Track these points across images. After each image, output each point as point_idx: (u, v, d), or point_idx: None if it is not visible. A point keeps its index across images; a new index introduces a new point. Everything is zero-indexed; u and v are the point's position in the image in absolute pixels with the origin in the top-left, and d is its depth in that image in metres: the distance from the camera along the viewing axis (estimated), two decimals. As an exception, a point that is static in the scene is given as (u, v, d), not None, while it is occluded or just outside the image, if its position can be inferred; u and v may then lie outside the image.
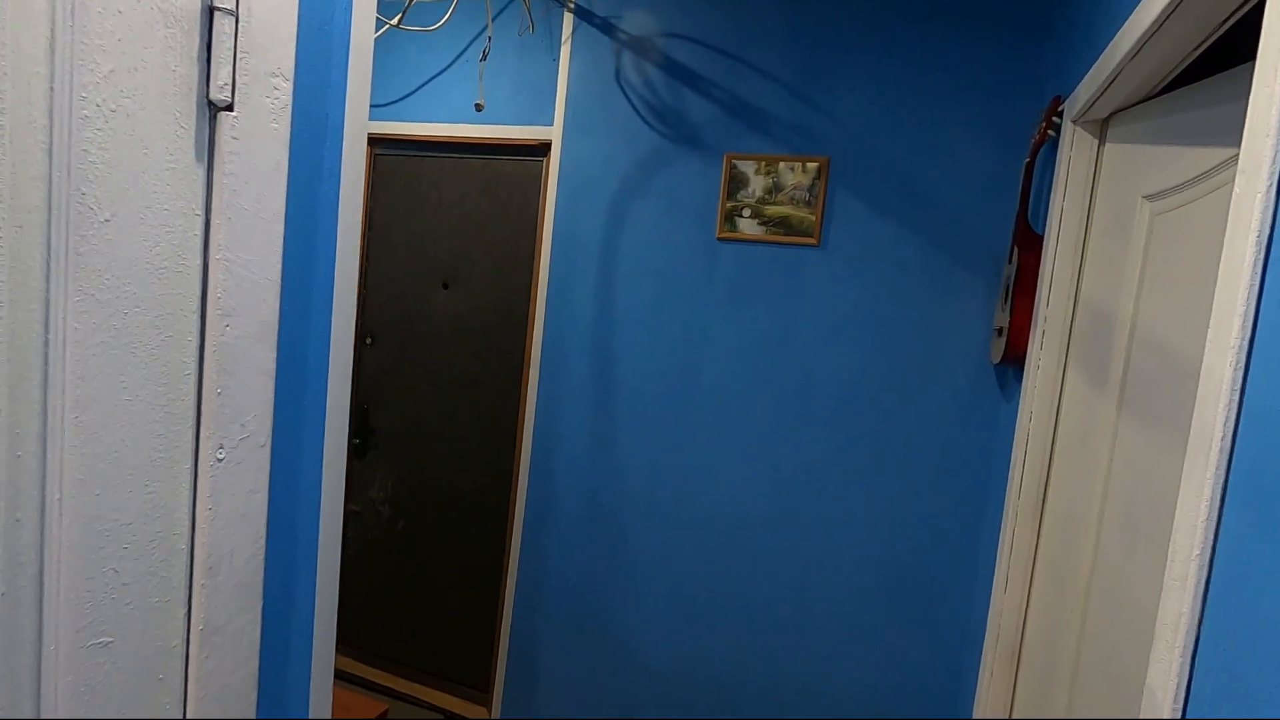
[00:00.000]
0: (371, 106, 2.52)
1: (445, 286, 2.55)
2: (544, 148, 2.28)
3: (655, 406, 2.12)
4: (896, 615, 1.92)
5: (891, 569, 1.93)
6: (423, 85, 2.44)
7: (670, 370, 2.10)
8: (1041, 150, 1.64)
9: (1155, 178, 1.23)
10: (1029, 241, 1.62)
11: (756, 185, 2.00)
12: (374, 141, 2.57)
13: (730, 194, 2.02)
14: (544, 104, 2.25)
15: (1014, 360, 1.61)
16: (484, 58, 1.98)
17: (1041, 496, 1.49)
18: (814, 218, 1.96)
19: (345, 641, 2.77)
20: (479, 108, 2.01)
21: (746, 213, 2.01)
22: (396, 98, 2.47)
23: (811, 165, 1.95)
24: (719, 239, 2.05)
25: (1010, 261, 1.66)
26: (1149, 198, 1.24)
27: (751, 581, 2.05)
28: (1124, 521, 1.17)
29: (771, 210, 1.99)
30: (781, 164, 1.98)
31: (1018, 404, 1.60)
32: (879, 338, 1.92)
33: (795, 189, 1.97)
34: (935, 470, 1.88)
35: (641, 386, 2.13)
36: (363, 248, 2.65)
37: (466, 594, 2.58)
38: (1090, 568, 1.28)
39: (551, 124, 2.23)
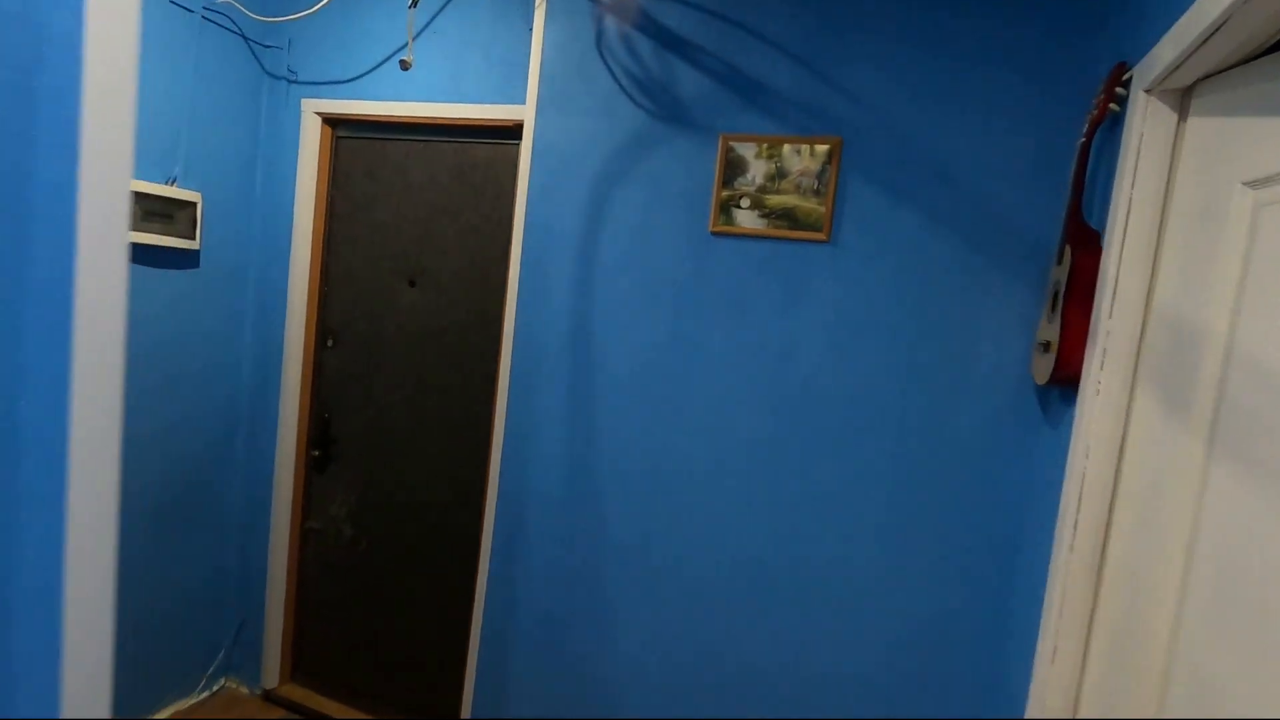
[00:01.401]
0: (330, 83, 2.27)
1: (412, 284, 2.29)
2: (517, 129, 2.01)
3: (637, 422, 1.86)
4: (914, 677, 1.65)
5: (909, 622, 1.66)
6: (387, 59, 2.18)
7: (655, 381, 1.83)
8: (1100, 128, 1.36)
9: (1262, 158, 0.95)
10: (1084, 238, 1.34)
11: (757, 171, 1.73)
12: (334, 122, 2.32)
13: (726, 181, 1.75)
14: (517, 79, 1.99)
15: (1064, 381, 1.34)
16: (413, 4, 1.71)
17: (1100, 551, 1.22)
18: (823, 209, 1.68)
19: (303, 671, 2.54)
20: (405, 65, 1.74)
21: (745, 203, 1.74)
22: (357, 74, 2.22)
23: (821, 148, 1.68)
24: (713, 233, 1.78)
25: (1060, 262, 1.39)
26: (1253, 184, 0.97)
27: (745, 629, 1.79)
28: (1216, 595, 0.91)
29: (774, 200, 1.72)
30: (786, 146, 1.71)
31: (1067, 433, 1.33)
32: (898, 350, 1.65)
33: (802, 175, 1.70)
34: (962, 507, 1.61)
35: (622, 399, 1.86)
36: (322, 240, 2.40)
37: (432, 623, 2.33)
38: (1167, 650, 1.01)
39: (524, 101, 1.96)
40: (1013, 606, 1.55)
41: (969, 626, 1.61)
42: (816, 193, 1.69)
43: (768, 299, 1.74)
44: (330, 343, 2.41)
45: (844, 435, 1.69)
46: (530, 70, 1.92)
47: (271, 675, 2.49)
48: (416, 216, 2.27)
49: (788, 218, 1.71)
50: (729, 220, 1.76)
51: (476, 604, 2.08)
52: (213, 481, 2.37)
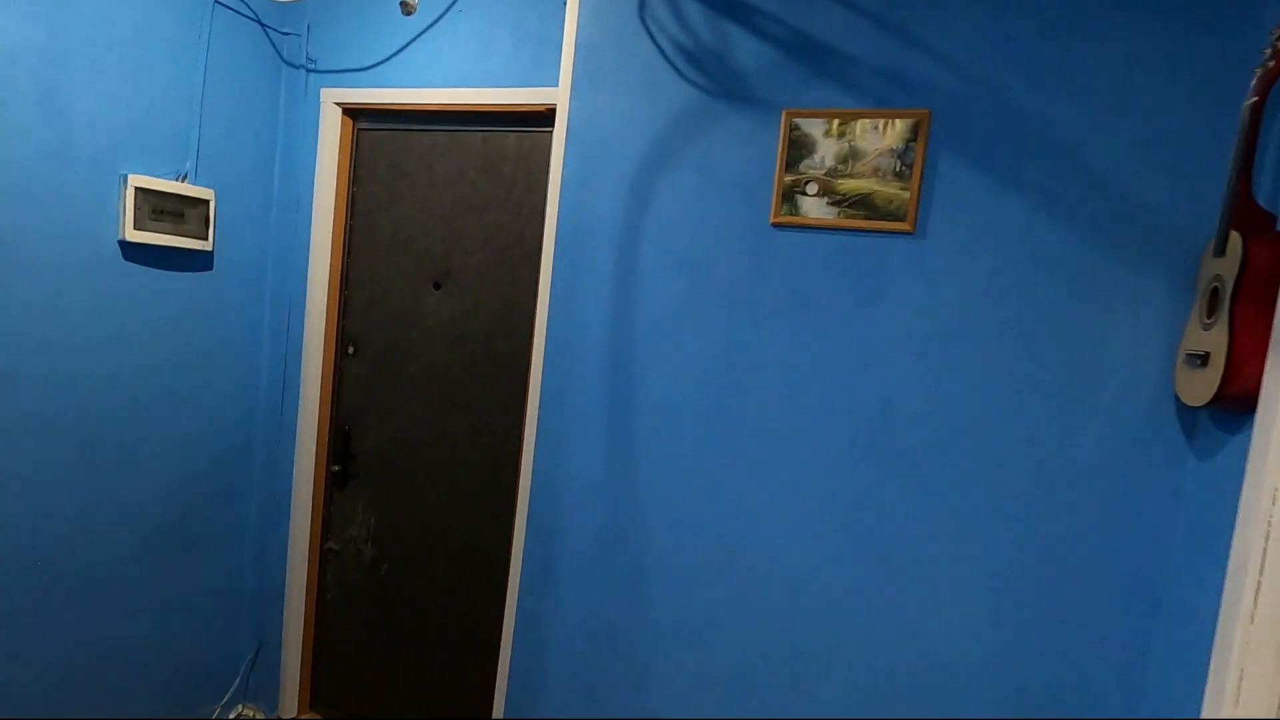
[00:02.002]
0: (350, 71, 2.09)
1: (437, 286, 2.10)
2: (549, 115, 1.80)
3: (685, 444, 1.62)
4: (1024, 759, 1.38)
5: (1010, 683, 1.38)
6: (410, 42, 1.99)
7: (705, 396, 1.60)
8: (1275, 86, 1.07)
9: None
10: (1257, 223, 1.06)
11: (826, 152, 1.48)
12: (354, 113, 2.15)
13: (790, 164, 1.51)
14: (550, 58, 1.78)
15: (1231, 402, 1.05)
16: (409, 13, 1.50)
17: (1297, 628, 0.94)
18: (907, 195, 1.43)
19: (322, 700, 2.37)
20: (406, 9, 1.50)
21: (812, 189, 1.50)
22: (379, 59, 2.04)
23: (904, 122, 1.42)
24: (774, 225, 1.53)
25: (1221, 254, 1.11)
26: None
27: (810, 684, 1.53)
28: None
29: (847, 185, 1.47)
30: (862, 122, 1.45)
31: (1230, 467, 1.05)
32: (1000, 362, 1.38)
33: (882, 155, 1.44)
34: (1083, 554, 1.33)
35: (668, 415, 1.63)
36: (343, 240, 2.23)
37: (458, 656, 2.14)
38: None
39: (556, 84, 1.75)
40: (1148, 681, 1.27)
41: (1090, 698, 1.32)
42: (898, 175, 1.43)
43: (839, 302, 1.49)
44: (351, 350, 2.24)
45: (933, 464, 1.42)
46: (564, 45, 1.71)
47: (290, 704, 2.33)
48: (442, 214, 2.08)
49: (863, 205, 1.46)
50: (793, 210, 1.51)
51: (504, 643, 1.87)
52: (228, 497, 2.22)
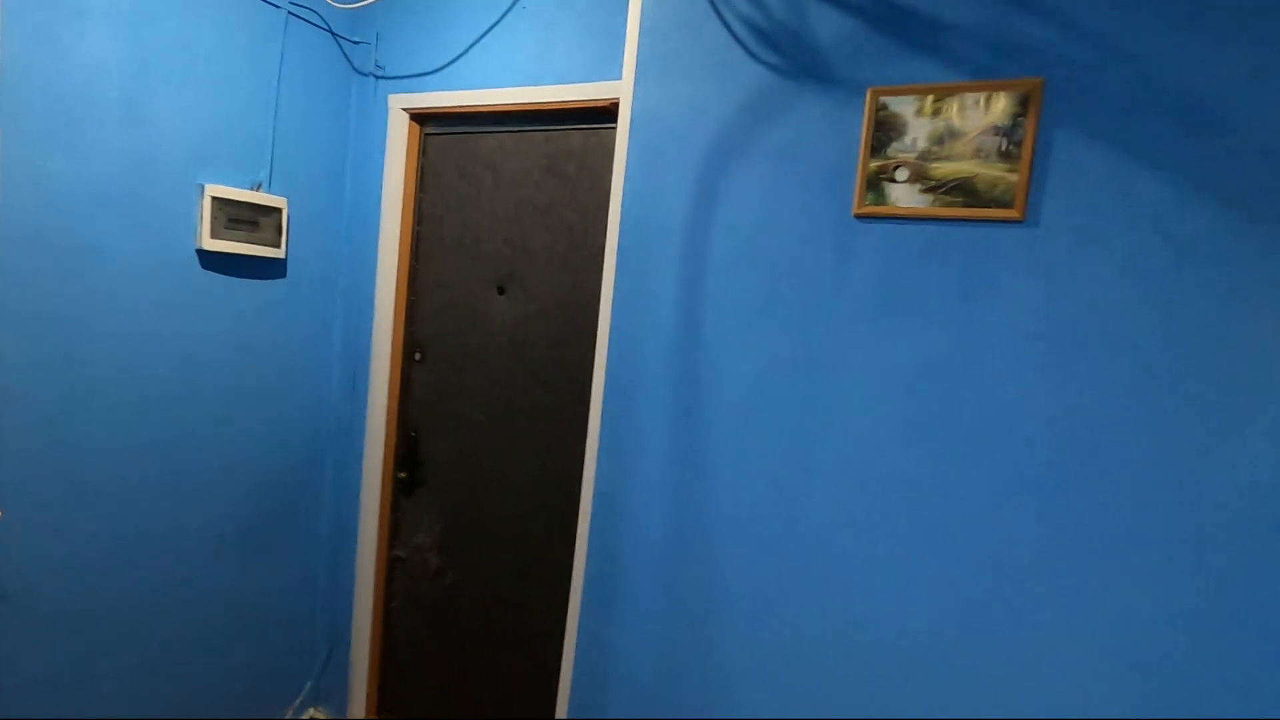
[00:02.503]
0: (417, 76, 2.08)
1: (501, 291, 2.06)
2: (613, 110, 1.71)
3: (758, 458, 1.49)
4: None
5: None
6: (474, 44, 1.96)
7: (781, 406, 1.46)
8: None
9: None
10: None
11: (918, 132, 1.32)
12: (421, 119, 2.13)
13: (877, 148, 1.35)
14: (614, 49, 1.69)
15: None
16: None
17: None
18: (1016, 178, 1.24)
19: (389, 707, 2.36)
20: None
21: (902, 175, 1.33)
22: (445, 62, 2.02)
23: (1011, 95, 1.24)
24: (858, 216, 1.38)
25: None
26: None
27: (905, 736, 1.36)
28: None
29: (943, 170, 1.30)
30: (961, 96, 1.28)
31: None
32: (1136, 367, 1.17)
33: (984, 134, 1.27)
34: (1242, 603, 1.10)
35: (739, 428, 1.50)
36: (410, 245, 2.23)
37: (520, 674, 2.07)
38: None
39: (620, 76, 1.66)
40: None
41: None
42: (1004, 156, 1.25)
43: (933, 301, 1.32)
44: (418, 356, 2.22)
45: (1050, 489, 1.23)
46: (628, 32, 1.61)
47: (358, 708, 2.33)
48: (507, 216, 2.03)
49: (962, 191, 1.28)
50: (880, 198, 1.35)
51: (564, 667, 1.78)
52: (301, 502, 2.25)
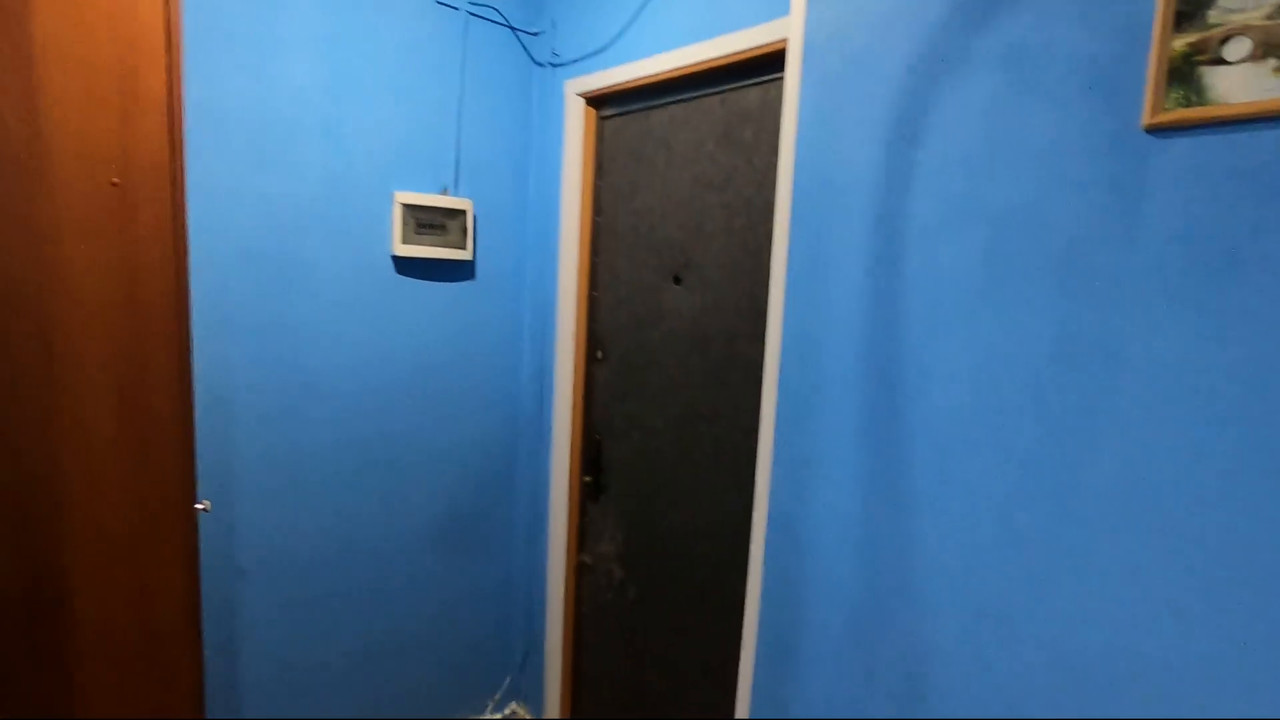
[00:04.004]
0: (590, 56, 1.96)
1: (677, 281, 1.84)
2: (780, 58, 1.38)
3: (992, 488, 1.05)
4: None
5: None
6: (641, 9, 1.77)
7: (1026, 419, 1.01)
8: None
9: None
10: None
11: (1271, -26, 0.79)
12: (597, 102, 2.01)
13: (1186, 15, 0.85)
14: (788, -25, 1.36)
15: None
16: None
17: None
18: None
19: (581, 712, 2.29)
20: None
21: (1239, 48, 0.81)
22: (615, 34, 1.86)
23: None
24: (1153, 129, 0.88)
25: None
26: None
27: None
28: None
29: (1324, 27, 0.76)
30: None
31: None
32: None
33: None
34: None
35: (960, 446, 1.08)
36: (590, 238, 2.12)
37: (693, 702, 1.83)
38: None
39: (788, 10, 1.33)
40: None
41: None
42: None
43: (1306, 252, 0.78)
44: (600, 355, 2.11)
45: None
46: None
47: (553, 710, 2.31)
48: (680, 197, 1.81)
49: (1371, 57, 0.73)
50: (1194, 94, 0.84)
51: (739, 696, 1.50)
52: (499, 501, 2.28)
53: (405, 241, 1.90)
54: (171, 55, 1.22)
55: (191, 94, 1.51)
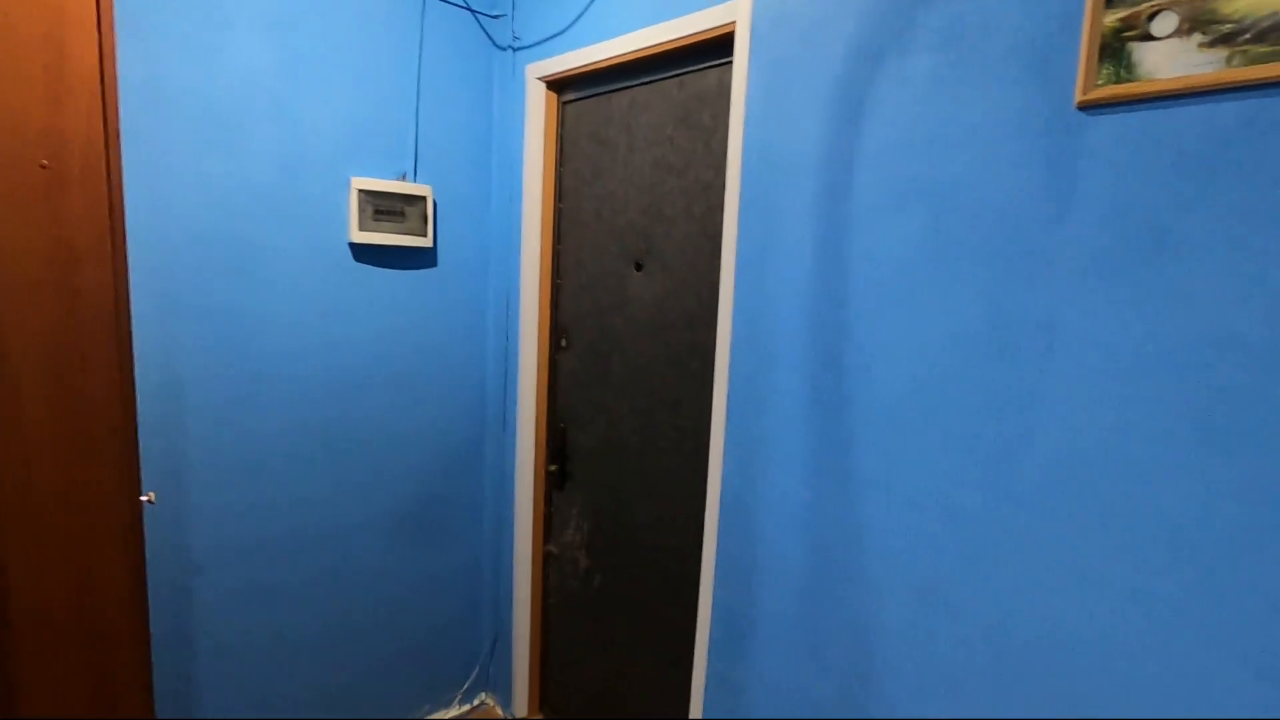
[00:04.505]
0: (549, 39, 1.93)
1: (639, 267, 1.83)
2: (731, 41, 1.37)
3: (934, 470, 1.06)
4: None
5: None
6: (602, -12, 1.75)
7: (960, 406, 1.01)
8: None
9: None
10: None
11: (1198, -51, 0.79)
12: (558, 86, 1.98)
13: (1117, -9, 0.85)
14: (743, -50, 1.35)
15: None
16: None
17: None
18: None
19: (550, 705, 2.29)
20: None
21: (1166, 23, 0.81)
22: (573, 19, 1.84)
23: None
24: (1085, 106, 0.88)
25: None
26: None
27: None
28: None
29: (1243, 3, 0.76)
30: None
31: None
32: None
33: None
34: None
35: (904, 428, 1.08)
36: (553, 224, 2.10)
37: (657, 702, 1.83)
38: None
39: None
40: None
41: None
42: (1388, -51, 0.68)
43: (1231, 233, 0.78)
44: (564, 343, 2.09)
45: None
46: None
47: (521, 703, 2.30)
48: (642, 182, 1.79)
49: (1291, 31, 0.74)
50: (1124, 70, 0.84)
51: (693, 706, 1.50)
52: (465, 488, 2.26)
53: (363, 228, 1.87)
54: (104, 29, 1.18)
55: (132, 73, 1.47)
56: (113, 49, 1.20)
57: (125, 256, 1.25)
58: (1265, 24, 0.75)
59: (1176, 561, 0.85)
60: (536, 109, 1.99)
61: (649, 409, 1.83)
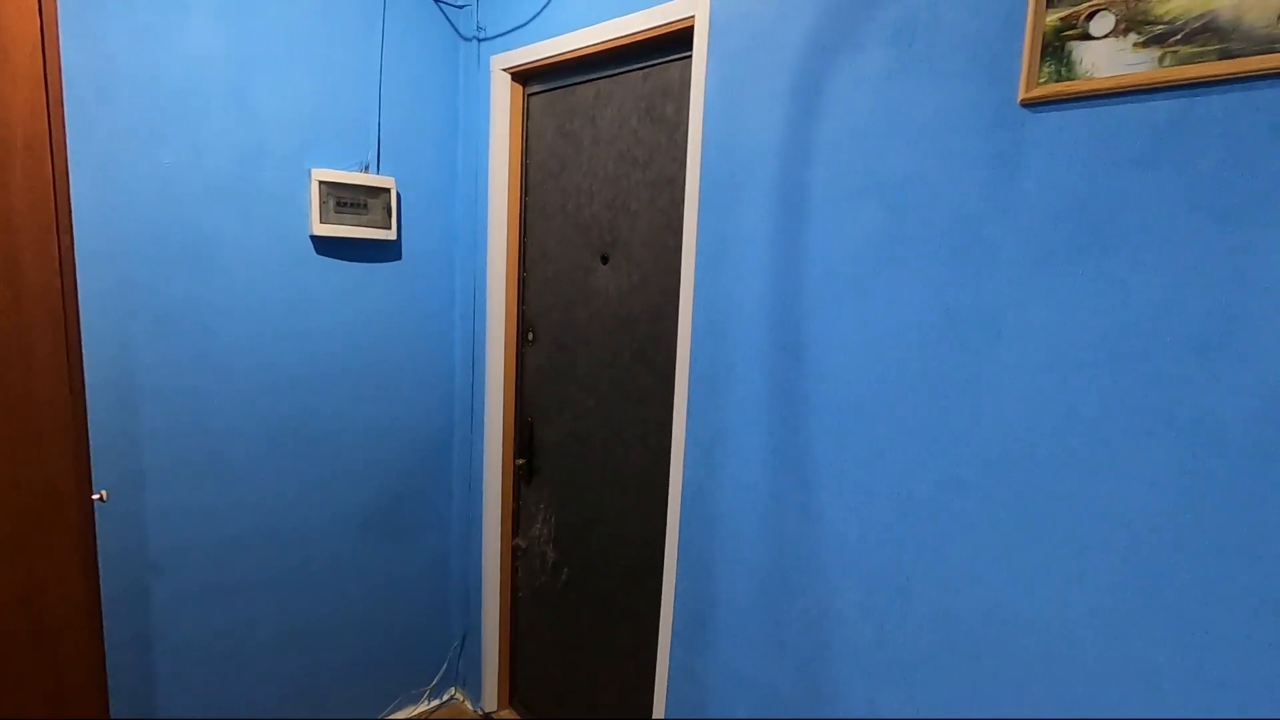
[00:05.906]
0: (514, 30, 1.92)
1: (604, 260, 1.83)
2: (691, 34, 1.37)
3: (888, 462, 1.08)
4: None
5: None
6: (566, -20, 1.74)
7: (911, 396, 1.03)
8: None
9: None
10: None
11: (1133, -49, 0.81)
12: (524, 78, 1.97)
13: (1058, -9, 0.87)
14: (703, -57, 1.35)
15: None
16: None
17: None
18: (1330, -13, 0.70)
19: (520, 699, 2.29)
20: None
21: (1103, 23, 0.84)
22: (537, 9, 1.82)
23: None
24: (1028, 103, 0.91)
25: None
26: None
27: None
28: None
29: (1177, 3, 0.79)
30: None
31: None
32: None
33: (1261, -79, 0.73)
34: None
35: (858, 420, 1.11)
36: (519, 217, 2.09)
37: (624, 693, 1.85)
38: None
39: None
40: None
41: None
42: (1307, -45, 0.71)
43: (1164, 225, 0.81)
44: (531, 337, 2.09)
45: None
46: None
47: (490, 697, 2.30)
48: (607, 174, 1.79)
49: (1214, 35, 0.76)
50: (1064, 69, 0.87)
51: (657, 696, 1.52)
52: (433, 484, 2.25)
53: (324, 220, 1.84)
54: (45, 14, 1.15)
55: (77, 59, 1.43)
56: (55, 35, 1.16)
57: (72, 250, 1.22)
58: (1194, 25, 0.77)
59: (1117, 546, 0.88)
60: (501, 101, 1.97)
61: (614, 402, 1.84)
